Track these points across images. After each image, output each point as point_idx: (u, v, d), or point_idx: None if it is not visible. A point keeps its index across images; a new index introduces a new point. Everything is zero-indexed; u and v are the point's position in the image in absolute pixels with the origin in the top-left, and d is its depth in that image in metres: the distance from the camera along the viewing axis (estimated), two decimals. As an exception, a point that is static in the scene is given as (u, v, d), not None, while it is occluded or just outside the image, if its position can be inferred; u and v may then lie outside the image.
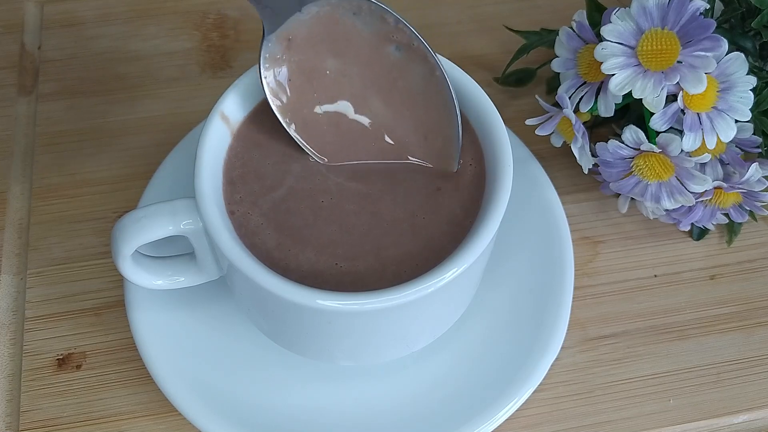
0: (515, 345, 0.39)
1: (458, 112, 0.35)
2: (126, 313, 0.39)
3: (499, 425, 0.37)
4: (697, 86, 0.37)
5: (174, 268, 0.37)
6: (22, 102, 0.48)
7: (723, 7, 0.41)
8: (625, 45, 0.38)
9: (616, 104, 0.40)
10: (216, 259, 0.35)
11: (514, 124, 0.44)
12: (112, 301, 0.42)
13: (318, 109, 0.35)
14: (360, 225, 0.34)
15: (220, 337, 0.39)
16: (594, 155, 0.41)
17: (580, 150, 0.40)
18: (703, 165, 0.40)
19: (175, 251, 0.37)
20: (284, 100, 0.35)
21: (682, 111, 0.38)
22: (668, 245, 0.44)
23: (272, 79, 0.35)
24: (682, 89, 0.37)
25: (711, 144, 0.38)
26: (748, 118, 0.39)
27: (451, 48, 0.50)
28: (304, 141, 0.35)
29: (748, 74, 0.38)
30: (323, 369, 0.39)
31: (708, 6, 0.38)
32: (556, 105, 0.41)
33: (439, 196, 0.35)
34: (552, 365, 0.38)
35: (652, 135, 0.39)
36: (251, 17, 0.52)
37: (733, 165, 0.41)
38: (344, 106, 0.35)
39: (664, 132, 0.39)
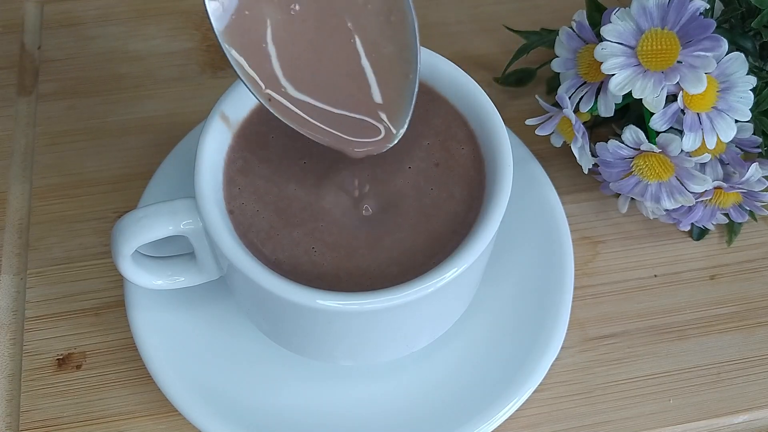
0: (515, 345, 0.39)
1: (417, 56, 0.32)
2: (126, 313, 0.39)
3: (499, 425, 0.37)
4: (697, 86, 0.37)
5: (174, 268, 0.37)
6: (22, 102, 0.48)
7: (723, 7, 0.41)
8: (625, 45, 0.38)
9: (616, 104, 0.40)
10: (216, 259, 0.35)
11: (514, 124, 0.44)
12: (112, 301, 0.42)
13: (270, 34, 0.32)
14: (361, 225, 0.34)
15: (220, 337, 0.39)
16: (594, 155, 0.41)
17: (580, 150, 0.40)
18: (703, 165, 0.40)
19: (175, 251, 0.37)
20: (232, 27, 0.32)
21: (682, 111, 0.38)
22: (668, 245, 0.44)
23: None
24: (682, 89, 0.37)
25: (711, 144, 0.38)
26: (748, 118, 0.39)
27: (451, 48, 0.50)
28: (249, 66, 0.32)
29: (748, 74, 0.38)
30: (323, 369, 0.39)
31: (708, 6, 0.38)
32: (556, 105, 0.41)
33: (439, 196, 0.35)
34: (552, 365, 0.38)
35: (652, 135, 0.39)
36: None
37: (733, 165, 0.41)
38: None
39: (664, 132, 0.39)
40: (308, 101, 0.32)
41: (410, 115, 0.33)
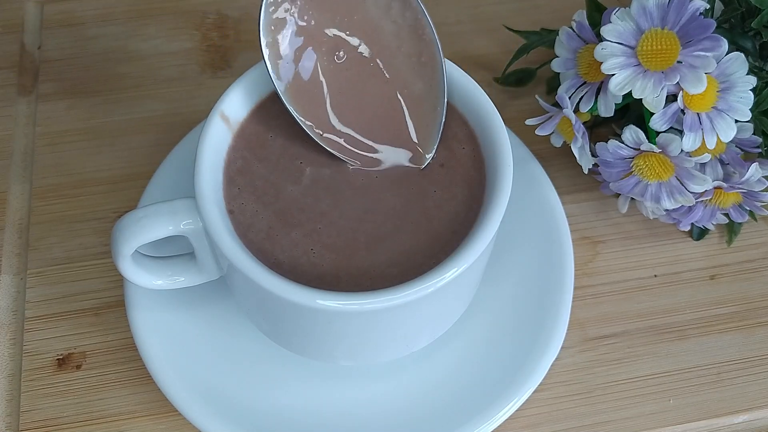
0: (515, 345, 0.39)
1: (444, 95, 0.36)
2: (126, 313, 0.39)
3: (499, 425, 0.37)
4: (697, 86, 0.37)
5: (174, 268, 0.37)
6: (22, 102, 0.49)
7: (723, 7, 0.41)
8: (625, 45, 0.38)
9: (616, 104, 0.40)
10: (216, 259, 0.35)
11: (514, 124, 0.44)
12: (112, 301, 0.42)
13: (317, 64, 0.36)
14: (361, 225, 0.34)
15: (220, 337, 0.39)
16: (594, 155, 0.41)
17: (580, 150, 0.40)
18: (703, 165, 0.40)
19: (175, 251, 0.37)
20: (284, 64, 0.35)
21: (682, 111, 0.38)
22: (668, 245, 0.44)
23: (272, 39, 0.35)
24: (682, 89, 0.37)
25: (711, 144, 0.38)
26: (748, 118, 0.39)
27: (451, 48, 0.50)
28: (295, 108, 0.35)
29: (748, 74, 0.38)
30: (323, 369, 0.39)
31: (708, 6, 0.38)
32: (556, 105, 0.41)
33: (439, 196, 0.35)
34: (552, 365, 0.38)
35: (652, 135, 0.39)
36: (251, 17, 0.52)
37: (733, 165, 0.41)
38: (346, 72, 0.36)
39: (664, 132, 0.39)
40: (352, 135, 0.36)
41: (438, 141, 0.36)
